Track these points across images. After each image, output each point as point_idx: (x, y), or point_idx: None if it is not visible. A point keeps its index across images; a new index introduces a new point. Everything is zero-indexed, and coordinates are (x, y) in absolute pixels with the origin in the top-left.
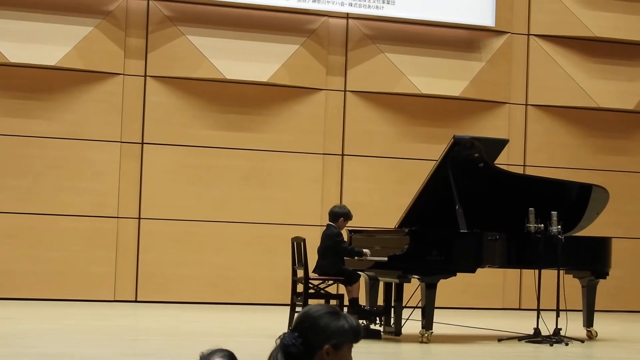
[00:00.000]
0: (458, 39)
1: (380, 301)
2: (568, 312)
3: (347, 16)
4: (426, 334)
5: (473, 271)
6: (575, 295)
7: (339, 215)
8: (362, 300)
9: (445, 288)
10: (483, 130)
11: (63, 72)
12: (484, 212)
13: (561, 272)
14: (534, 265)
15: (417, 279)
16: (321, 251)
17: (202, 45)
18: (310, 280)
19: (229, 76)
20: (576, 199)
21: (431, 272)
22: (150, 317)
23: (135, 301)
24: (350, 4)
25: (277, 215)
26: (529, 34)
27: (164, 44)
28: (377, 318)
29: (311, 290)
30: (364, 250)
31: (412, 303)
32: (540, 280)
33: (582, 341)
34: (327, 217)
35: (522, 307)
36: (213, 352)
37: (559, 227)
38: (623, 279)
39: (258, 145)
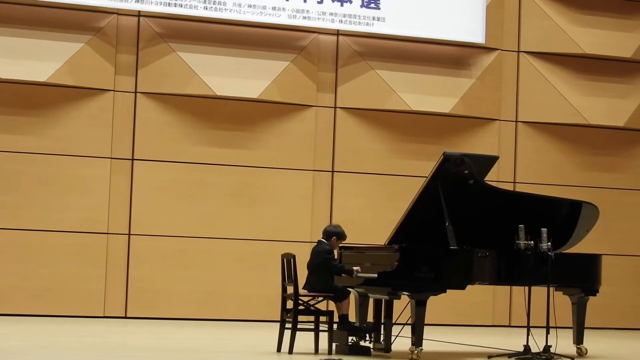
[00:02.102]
0: (448, 56)
1: (370, 318)
2: (558, 329)
3: (338, 33)
4: (416, 350)
5: (463, 288)
6: (565, 312)
7: (332, 234)
8: (352, 317)
9: (435, 305)
10: (473, 147)
11: (54, 88)
12: (474, 228)
13: (551, 289)
14: (524, 282)
15: (407, 295)
16: (311, 267)
17: (193, 62)
18: (300, 297)
19: (220, 92)
20: (566, 216)
21: (421, 289)
22: (140, 334)
23: (125, 317)
24: (341, 21)
25: (267, 232)
26: (519, 51)
27: (155, 60)
28: (367, 335)
29: (301, 307)
30: (354, 267)
31: (402, 320)
32: (530, 297)
33: (572, 358)
34: (317, 233)
35: (512, 324)
36: None
37: (549, 244)
38: (613, 296)
39: (248, 161)
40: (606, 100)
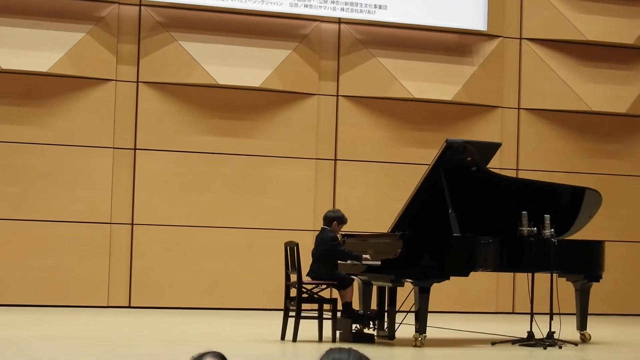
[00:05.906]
0: (450, 44)
1: (373, 305)
2: (561, 316)
3: (339, 21)
4: (420, 337)
5: (466, 275)
6: (568, 299)
7: (332, 219)
8: (356, 305)
9: (439, 292)
10: (476, 134)
11: (55, 79)
12: (476, 215)
13: (554, 275)
14: (527, 269)
15: (411, 282)
16: (315, 255)
17: (194, 51)
18: (303, 285)
19: (222, 82)
20: (569, 202)
21: (424, 276)
22: (143, 323)
23: (129, 307)
24: (342, 9)
25: (270, 221)
26: (521, 38)
27: (156, 49)
28: (371, 322)
29: (305, 295)
30: (364, 255)
31: (406, 307)
32: (533, 284)
33: (576, 344)
34: (320, 222)
35: (516, 311)
36: (204, 355)
37: (552, 230)
38: (616, 283)
39: (251, 150)
40: (608, 87)
